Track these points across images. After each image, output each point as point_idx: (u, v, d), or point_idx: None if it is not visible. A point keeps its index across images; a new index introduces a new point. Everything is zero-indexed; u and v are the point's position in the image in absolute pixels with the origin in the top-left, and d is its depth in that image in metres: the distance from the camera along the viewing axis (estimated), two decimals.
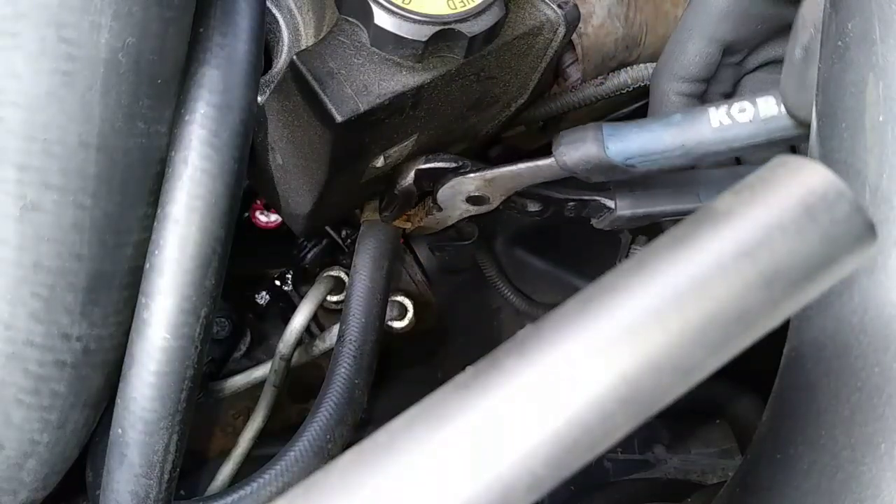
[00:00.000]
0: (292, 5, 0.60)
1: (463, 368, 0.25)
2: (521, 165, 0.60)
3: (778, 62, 0.62)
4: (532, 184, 0.62)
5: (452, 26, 0.51)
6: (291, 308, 0.71)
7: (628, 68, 0.69)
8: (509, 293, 0.88)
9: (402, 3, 0.50)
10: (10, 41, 0.37)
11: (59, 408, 0.43)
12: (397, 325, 0.71)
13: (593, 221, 0.67)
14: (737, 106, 0.54)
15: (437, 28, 0.51)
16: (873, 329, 0.35)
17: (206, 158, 0.42)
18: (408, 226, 0.68)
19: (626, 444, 0.88)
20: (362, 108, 0.50)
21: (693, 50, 0.59)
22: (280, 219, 0.74)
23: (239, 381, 0.72)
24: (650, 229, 0.77)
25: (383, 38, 0.51)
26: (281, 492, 0.54)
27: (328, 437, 0.56)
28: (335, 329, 0.67)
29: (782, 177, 0.23)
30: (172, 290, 0.43)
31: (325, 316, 0.78)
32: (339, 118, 0.50)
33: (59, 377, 0.42)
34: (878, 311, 0.35)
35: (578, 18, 0.59)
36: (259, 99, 0.54)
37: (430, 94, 0.54)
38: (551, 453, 0.21)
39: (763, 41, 0.61)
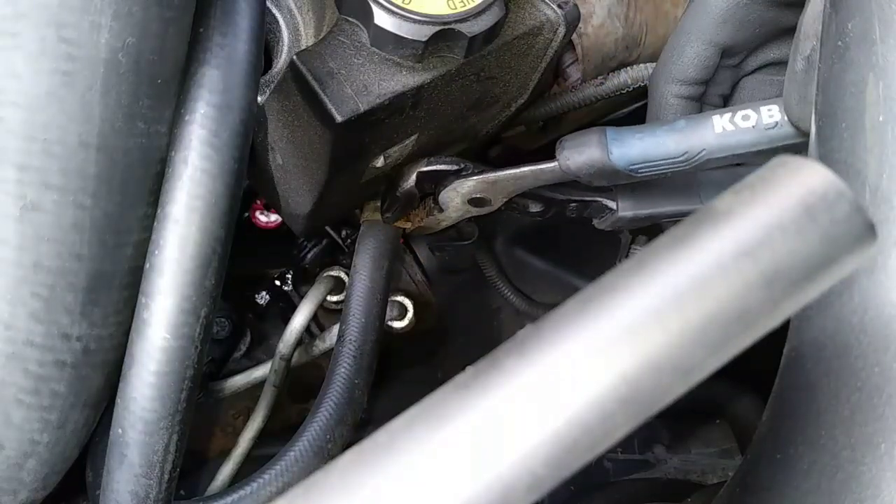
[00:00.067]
0: (292, 5, 0.60)
1: (463, 368, 0.25)
2: (524, 169, 0.60)
3: (776, 64, 0.62)
4: (534, 186, 0.62)
5: (452, 26, 0.51)
6: (291, 308, 0.71)
7: (628, 68, 0.69)
8: (509, 293, 0.88)
9: (402, 3, 0.50)
10: (10, 41, 0.37)
11: (59, 408, 0.43)
12: (397, 325, 0.71)
13: (595, 222, 0.67)
14: (740, 113, 0.54)
15: (437, 28, 0.51)
16: (873, 329, 0.35)
17: (206, 158, 0.42)
18: (408, 226, 0.68)
19: (626, 444, 0.88)
20: (362, 108, 0.50)
21: (691, 53, 0.59)
22: (280, 219, 0.74)
23: (239, 381, 0.72)
24: (650, 229, 0.77)
25: (383, 38, 0.51)
26: (281, 492, 0.54)
27: (328, 437, 0.56)
28: (335, 329, 0.67)
29: (782, 177, 0.23)
30: (172, 290, 0.42)
31: (325, 316, 0.78)
32: (339, 118, 0.50)
33: (59, 377, 0.42)
34: (878, 311, 0.35)
35: (578, 18, 0.59)
36: (259, 99, 0.54)
37: (430, 94, 0.54)
38: (551, 453, 0.21)
39: (761, 44, 0.61)
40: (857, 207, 0.22)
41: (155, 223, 0.43)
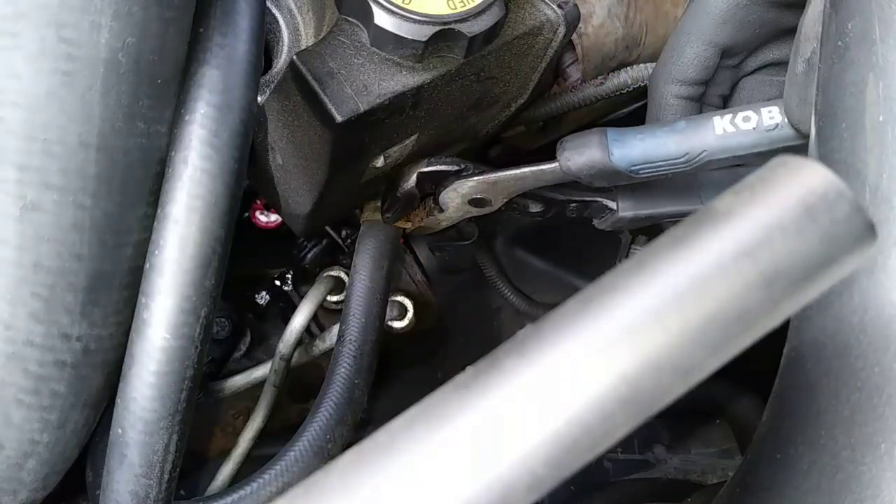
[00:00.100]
0: (292, 5, 0.60)
1: (463, 368, 0.25)
2: (525, 170, 0.60)
3: (776, 65, 0.62)
4: (535, 187, 0.62)
5: (452, 26, 0.51)
6: (291, 308, 0.71)
7: (628, 68, 0.69)
8: (509, 293, 0.88)
9: (402, 3, 0.50)
10: (10, 41, 0.37)
11: (59, 408, 0.43)
12: (397, 325, 0.71)
13: (595, 222, 0.67)
14: (741, 114, 0.55)
15: (437, 28, 0.51)
16: (873, 329, 0.35)
17: (206, 158, 0.42)
18: (408, 226, 0.68)
19: (626, 444, 0.88)
20: (362, 108, 0.50)
21: (691, 53, 0.59)
22: (280, 219, 0.74)
23: (239, 381, 0.72)
24: (650, 229, 0.77)
25: (383, 38, 0.51)
26: (281, 492, 0.54)
27: (328, 437, 0.56)
28: (335, 329, 0.67)
29: (782, 177, 0.23)
30: (172, 290, 0.42)
31: (325, 316, 0.78)
32: (339, 118, 0.50)
33: (59, 377, 0.42)
34: (878, 311, 0.35)
35: (578, 18, 0.59)
36: (259, 99, 0.54)
37: (430, 94, 0.54)
38: (551, 453, 0.21)
39: (761, 45, 0.61)
40: (857, 207, 0.22)
41: (155, 223, 0.43)
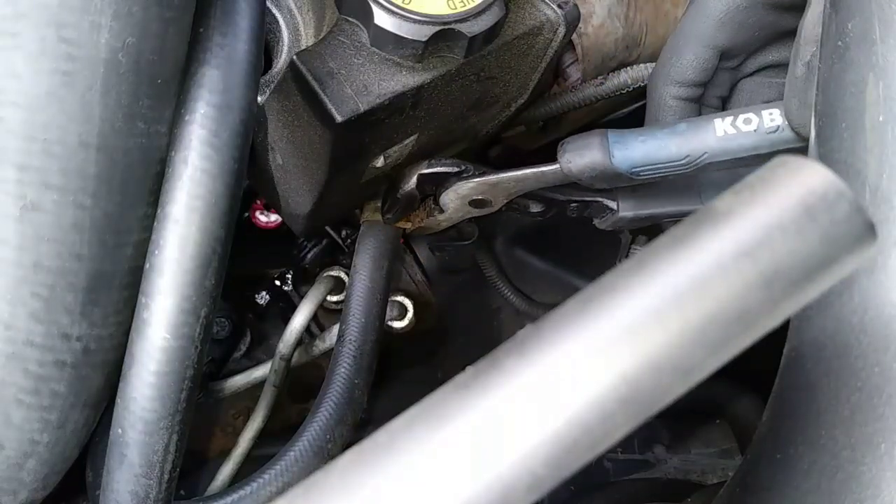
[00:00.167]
0: (292, 5, 0.60)
1: (463, 368, 0.25)
2: (526, 171, 0.60)
3: (775, 67, 0.62)
4: (535, 188, 0.62)
5: (452, 26, 0.51)
6: (291, 308, 0.71)
7: (628, 68, 0.69)
8: (509, 293, 0.88)
9: (402, 3, 0.50)
10: (10, 41, 0.37)
11: (59, 408, 0.43)
12: (397, 325, 0.71)
13: (596, 222, 0.67)
14: (742, 116, 0.55)
15: (437, 28, 0.51)
16: (873, 329, 0.35)
17: (206, 158, 0.42)
18: (408, 226, 0.68)
19: (626, 444, 0.88)
20: (362, 108, 0.50)
21: (690, 55, 0.59)
22: (280, 219, 0.74)
23: (239, 381, 0.71)
24: (650, 229, 0.77)
25: (383, 38, 0.51)
26: (281, 492, 0.54)
27: (328, 437, 0.56)
28: (335, 329, 0.67)
29: (782, 177, 0.23)
30: (172, 290, 0.42)
31: (325, 316, 0.78)
32: (339, 118, 0.50)
33: (59, 377, 0.42)
34: (878, 311, 0.35)
35: (578, 18, 0.59)
36: (259, 99, 0.54)
37: (430, 94, 0.54)
38: (551, 453, 0.21)
39: (760, 47, 0.61)
40: (857, 207, 0.22)
41: (155, 223, 0.43)
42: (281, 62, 0.60)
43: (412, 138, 0.58)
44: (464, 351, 0.90)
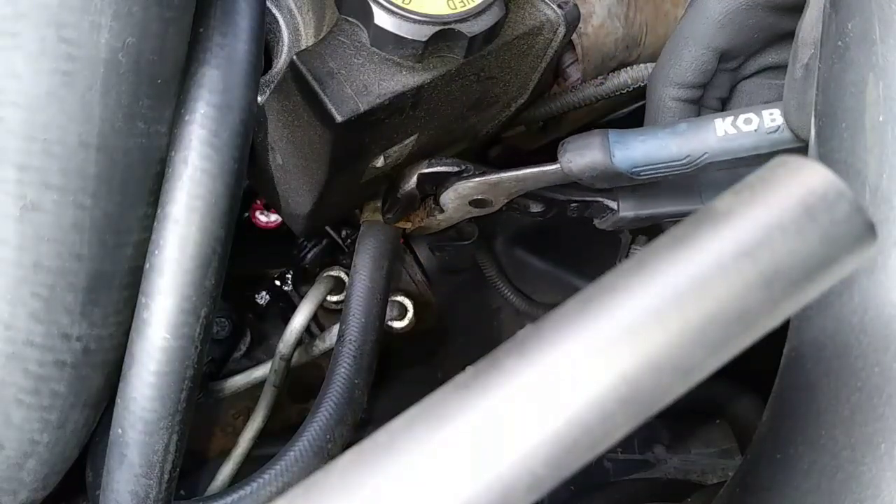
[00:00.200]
0: (292, 5, 0.60)
1: (463, 368, 0.25)
2: (526, 171, 0.60)
3: (774, 68, 0.62)
4: (536, 188, 0.62)
5: (452, 26, 0.51)
6: (291, 308, 0.71)
7: (628, 68, 0.69)
8: (509, 293, 0.88)
9: (402, 3, 0.50)
10: (10, 41, 0.37)
11: (59, 408, 0.43)
12: (397, 325, 0.71)
13: (596, 222, 0.67)
14: (742, 117, 0.55)
15: (437, 28, 0.51)
16: (873, 329, 0.35)
17: (206, 158, 0.42)
18: (408, 226, 0.68)
19: (626, 444, 0.88)
20: (362, 108, 0.50)
21: (689, 57, 0.59)
22: (280, 219, 0.74)
23: (239, 381, 0.71)
24: (650, 229, 0.77)
25: (383, 38, 0.51)
26: (281, 492, 0.54)
27: (328, 437, 0.56)
28: (335, 329, 0.67)
29: (782, 177, 0.23)
30: (172, 290, 0.42)
31: (325, 316, 0.78)
32: (339, 118, 0.50)
33: (59, 377, 0.42)
34: (878, 311, 0.35)
35: (578, 18, 0.59)
36: (259, 99, 0.54)
37: (430, 94, 0.54)
38: (551, 453, 0.21)
39: (760, 49, 0.61)
40: (857, 207, 0.22)
41: (155, 223, 0.43)
42: (281, 62, 0.60)
43: (412, 138, 0.58)
44: (464, 351, 0.90)
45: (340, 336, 0.61)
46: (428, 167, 0.62)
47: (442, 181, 0.63)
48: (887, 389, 0.34)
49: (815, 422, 0.38)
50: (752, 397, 0.91)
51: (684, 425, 0.91)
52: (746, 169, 0.60)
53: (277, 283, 0.79)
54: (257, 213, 0.76)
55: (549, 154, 0.59)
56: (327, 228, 0.77)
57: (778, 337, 0.35)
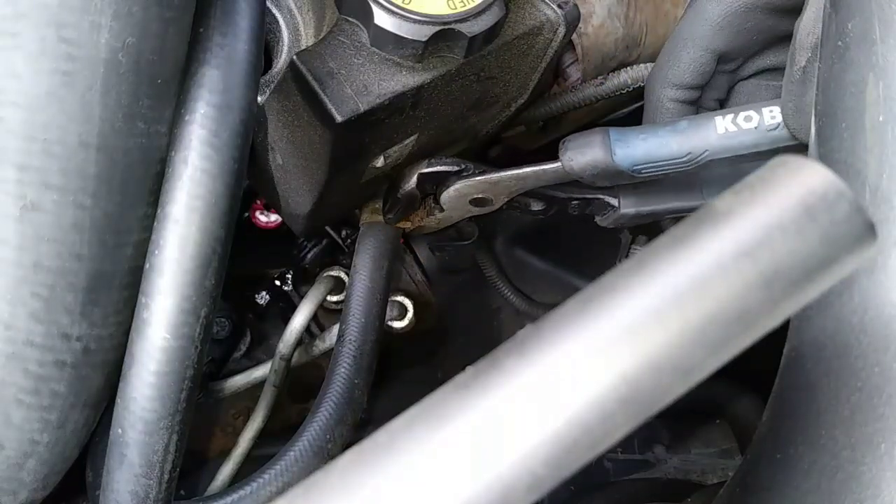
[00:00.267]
0: (292, 5, 0.60)
1: (463, 368, 0.25)
2: (527, 169, 0.60)
3: (773, 70, 0.62)
4: (536, 186, 0.62)
5: (452, 26, 0.51)
6: (291, 308, 0.71)
7: (628, 68, 0.69)
8: (509, 293, 0.88)
9: (402, 3, 0.50)
10: (10, 41, 0.37)
11: (59, 408, 0.43)
12: (397, 325, 0.71)
13: (597, 219, 0.67)
14: (743, 114, 0.55)
15: (437, 28, 0.51)
16: (873, 329, 0.35)
17: (206, 158, 0.42)
18: (407, 225, 0.68)
19: (626, 444, 0.88)
20: (362, 108, 0.50)
21: (688, 58, 0.59)
22: (280, 219, 0.74)
23: (239, 381, 0.71)
24: (650, 229, 0.77)
25: (383, 38, 0.51)
26: (281, 492, 0.54)
27: (328, 437, 0.56)
28: (335, 329, 0.67)
29: (782, 177, 0.23)
30: (172, 290, 0.42)
31: (325, 316, 0.78)
32: (339, 118, 0.50)
33: (59, 377, 0.42)
34: (878, 311, 0.35)
35: (578, 18, 0.59)
36: (259, 99, 0.54)
37: (430, 94, 0.54)
38: (551, 453, 0.21)
39: (758, 50, 0.61)
40: (857, 207, 0.22)
41: (155, 223, 0.43)
42: (281, 62, 0.60)
43: (412, 138, 0.58)
44: (464, 351, 0.90)
45: (340, 336, 0.61)
46: (428, 167, 0.62)
47: (442, 181, 0.63)
48: (887, 389, 0.34)
49: (815, 422, 0.38)
50: (752, 397, 0.91)
51: (684, 425, 0.91)
52: (750, 165, 0.60)
53: (277, 283, 0.79)
54: (257, 213, 0.76)
55: (549, 154, 0.59)
56: (327, 228, 0.77)
57: (778, 337, 0.35)
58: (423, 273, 0.82)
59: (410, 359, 0.88)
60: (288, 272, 0.79)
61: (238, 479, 0.66)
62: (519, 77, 0.62)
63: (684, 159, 0.55)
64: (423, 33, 0.50)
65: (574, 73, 0.71)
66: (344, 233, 0.77)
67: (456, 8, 0.51)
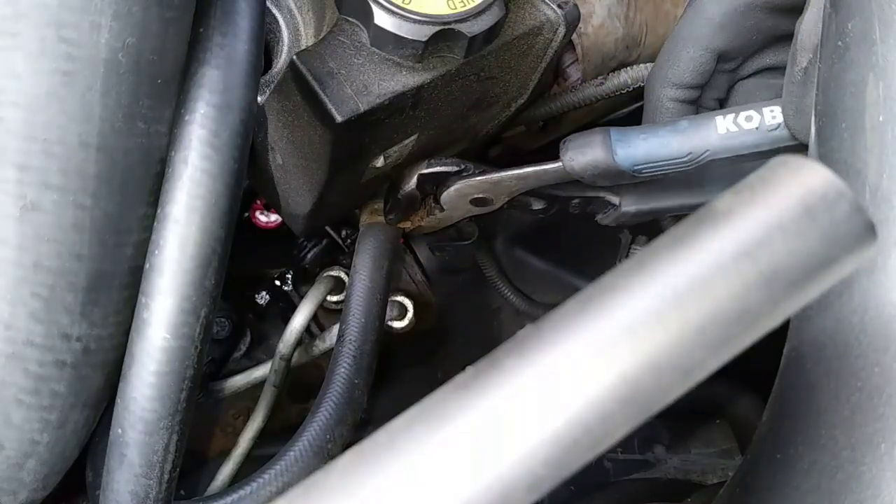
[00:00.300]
0: (292, 5, 0.60)
1: (463, 368, 0.25)
2: (528, 169, 0.60)
3: (772, 69, 0.62)
4: (537, 186, 0.62)
5: (452, 26, 0.51)
6: (291, 308, 0.71)
7: (628, 68, 0.69)
8: (509, 293, 0.88)
9: (402, 3, 0.50)
10: (10, 41, 0.37)
11: (59, 408, 0.43)
12: (397, 325, 0.71)
13: (598, 217, 0.67)
14: (743, 114, 0.55)
15: (437, 28, 0.51)
16: (873, 329, 0.35)
17: (206, 158, 0.42)
18: (407, 225, 0.68)
19: (626, 444, 0.88)
20: (362, 108, 0.50)
21: (687, 57, 0.59)
22: (280, 219, 0.74)
23: (239, 381, 0.71)
24: (650, 229, 0.77)
25: (383, 38, 0.51)
26: (281, 492, 0.54)
27: (328, 437, 0.56)
28: (335, 329, 0.67)
29: (782, 177, 0.23)
30: (172, 290, 0.42)
31: (325, 316, 0.78)
32: (339, 118, 0.50)
33: (59, 377, 0.42)
34: (878, 311, 0.35)
35: (578, 18, 0.59)
36: (259, 99, 0.54)
37: (430, 94, 0.54)
38: (551, 453, 0.21)
39: (758, 50, 0.61)
40: (857, 207, 0.22)
41: (155, 223, 0.43)
42: (281, 62, 0.60)
43: (412, 138, 0.58)
44: (464, 351, 0.90)
45: (340, 336, 0.61)
46: (427, 168, 0.62)
47: (442, 181, 0.63)
48: (887, 389, 0.34)
49: (815, 422, 0.38)
50: (752, 397, 0.91)
51: (684, 425, 0.91)
52: (751, 164, 0.60)
53: (277, 283, 0.79)
54: (257, 213, 0.76)
55: (549, 154, 0.59)
56: (327, 228, 0.77)
57: (778, 337, 0.35)
58: (423, 273, 0.82)
59: (410, 359, 0.88)
60: (288, 272, 0.79)
61: (238, 479, 0.66)
62: (519, 77, 0.62)
63: (685, 159, 0.55)
64: (423, 33, 0.50)
65: (574, 73, 0.71)
66: (344, 233, 0.77)
67: (456, 8, 0.51)
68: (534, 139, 0.80)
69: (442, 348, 0.89)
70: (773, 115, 0.54)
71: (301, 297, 0.72)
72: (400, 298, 0.72)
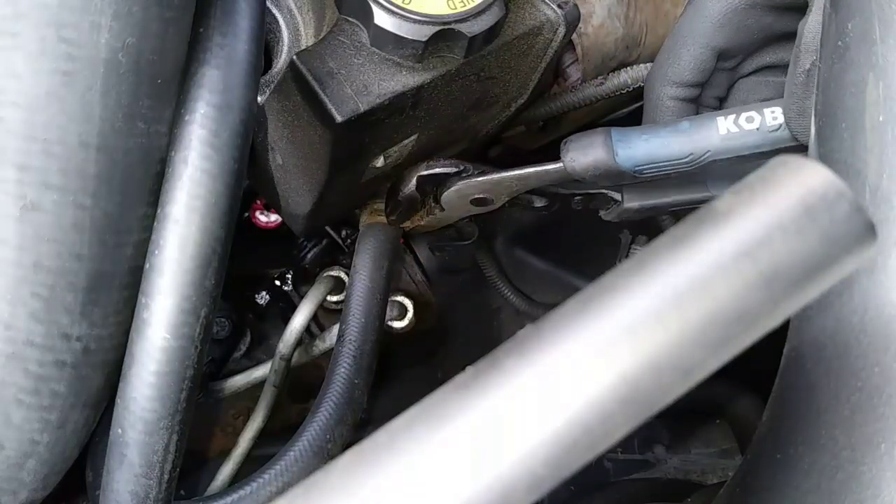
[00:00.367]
0: (292, 5, 0.60)
1: (463, 368, 0.25)
2: (529, 170, 0.60)
3: (773, 67, 0.62)
4: (538, 186, 0.62)
5: (452, 26, 0.51)
6: (291, 308, 0.71)
7: (628, 68, 0.69)
8: (509, 293, 0.88)
9: (402, 3, 0.50)
10: (10, 41, 0.37)
11: (59, 408, 0.43)
12: (397, 325, 0.71)
13: (601, 213, 0.67)
14: (744, 115, 0.55)
15: (437, 28, 0.51)
16: (873, 329, 0.35)
17: (206, 158, 0.42)
18: (407, 224, 0.68)
19: (626, 444, 0.88)
20: (362, 108, 0.50)
21: (688, 56, 0.59)
22: (280, 219, 0.74)
23: (239, 381, 0.72)
24: (650, 229, 0.77)
25: (383, 38, 0.51)
26: (281, 492, 0.54)
27: (328, 437, 0.56)
28: (335, 329, 0.67)
29: (782, 177, 0.23)
30: (172, 290, 0.42)
31: (325, 316, 0.78)
32: (339, 118, 0.50)
33: (59, 377, 0.42)
34: (878, 311, 0.35)
35: (578, 18, 0.59)
36: (259, 99, 0.54)
37: (430, 94, 0.54)
38: (551, 453, 0.21)
39: (758, 48, 0.61)
40: (857, 207, 0.22)
41: (155, 223, 0.43)
42: (281, 62, 0.60)
43: (412, 138, 0.58)
44: (464, 351, 0.90)
45: (340, 336, 0.61)
46: (427, 169, 0.62)
47: (442, 182, 0.63)
48: (887, 389, 0.34)
49: (815, 422, 0.38)
50: (752, 397, 0.91)
51: (684, 425, 0.91)
52: (753, 163, 0.60)
53: (277, 283, 0.79)
54: (257, 213, 0.76)
55: (549, 153, 0.59)
56: (327, 228, 0.77)
57: (778, 337, 0.35)
58: (423, 273, 0.82)
59: (410, 359, 0.88)
60: (288, 272, 0.79)
61: (238, 479, 0.66)
62: (519, 77, 0.62)
63: (686, 160, 0.55)
64: (423, 33, 0.50)
65: (574, 73, 0.71)
66: (344, 233, 0.77)
67: (456, 8, 0.51)
68: (534, 139, 0.80)
69: (442, 348, 0.89)
70: (774, 116, 0.54)
71: (301, 297, 0.72)
72: (400, 298, 0.72)
